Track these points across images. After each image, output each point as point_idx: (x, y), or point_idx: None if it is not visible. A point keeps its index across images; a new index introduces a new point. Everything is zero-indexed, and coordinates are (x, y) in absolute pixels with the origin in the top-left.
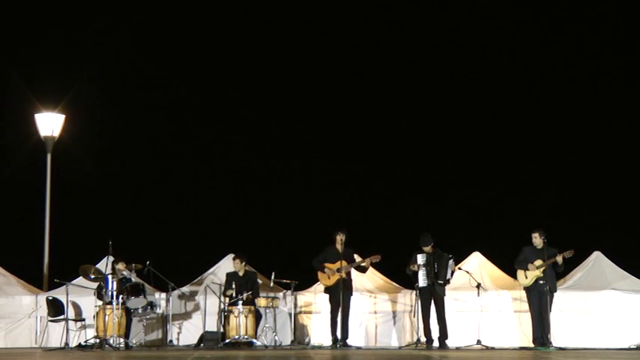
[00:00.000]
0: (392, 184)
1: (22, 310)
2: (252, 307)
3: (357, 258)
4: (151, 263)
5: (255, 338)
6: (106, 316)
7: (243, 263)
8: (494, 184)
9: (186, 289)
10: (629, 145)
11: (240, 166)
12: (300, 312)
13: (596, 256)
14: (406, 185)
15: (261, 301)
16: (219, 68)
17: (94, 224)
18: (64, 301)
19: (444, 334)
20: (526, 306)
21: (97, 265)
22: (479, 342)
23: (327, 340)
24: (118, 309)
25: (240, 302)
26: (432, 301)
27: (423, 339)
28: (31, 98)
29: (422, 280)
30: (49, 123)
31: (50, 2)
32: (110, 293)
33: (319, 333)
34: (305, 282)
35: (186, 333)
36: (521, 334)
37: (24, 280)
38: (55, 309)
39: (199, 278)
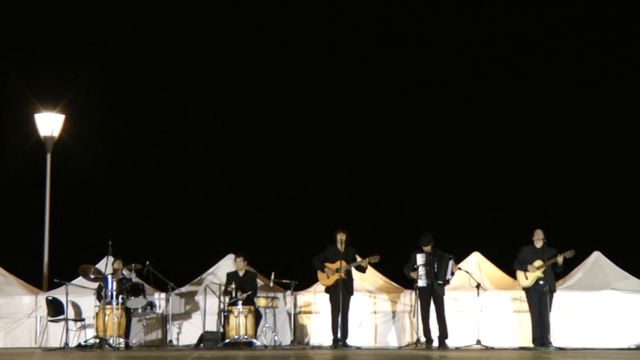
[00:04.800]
0: (392, 183)
1: (22, 310)
2: (252, 307)
3: (359, 258)
4: (150, 263)
5: (255, 338)
6: (106, 316)
7: (245, 262)
8: (495, 184)
9: (185, 289)
10: (629, 144)
11: (240, 165)
12: (300, 312)
13: (596, 256)
14: (406, 185)
15: (261, 301)
16: (219, 68)
17: (93, 224)
18: (63, 301)
19: (443, 334)
20: (525, 306)
21: (97, 265)
22: (478, 342)
23: (326, 340)
24: (117, 309)
25: (240, 302)
26: (432, 301)
27: (423, 339)
28: (30, 98)
29: (421, 280)
30: (49, 123)
31: (50, 2)
32: (110, 293)
33: (319, 333)
34: (305, 282)
35: (186, 333)
36: (521, 334)
37: (24, 280)
38: (55, 309)
39: (199, 278)
